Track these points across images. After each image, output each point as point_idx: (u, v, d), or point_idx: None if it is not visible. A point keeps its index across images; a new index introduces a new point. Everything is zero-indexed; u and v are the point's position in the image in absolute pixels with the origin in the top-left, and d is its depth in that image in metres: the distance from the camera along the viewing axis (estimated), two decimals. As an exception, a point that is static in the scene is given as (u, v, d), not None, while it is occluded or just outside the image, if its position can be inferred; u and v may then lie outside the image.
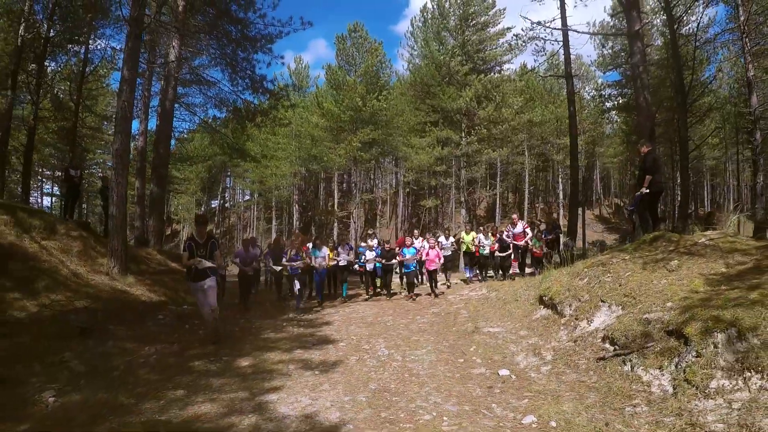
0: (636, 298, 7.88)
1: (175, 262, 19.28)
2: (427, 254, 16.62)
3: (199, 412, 6.24)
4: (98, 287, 12.87)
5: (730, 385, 5.34)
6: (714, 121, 45.38)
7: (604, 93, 45.54)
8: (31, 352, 8.31)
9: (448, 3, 45.80)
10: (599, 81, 50.65)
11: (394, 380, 7.41)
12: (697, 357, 5.92)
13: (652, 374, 6.15)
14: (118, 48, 26.14)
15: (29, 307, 10.36)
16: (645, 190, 11.70)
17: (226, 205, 76.67)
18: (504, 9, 45.63)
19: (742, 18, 23.57)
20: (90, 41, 24.86)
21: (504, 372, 7.46)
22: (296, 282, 15.88)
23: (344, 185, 60.75)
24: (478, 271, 19.80)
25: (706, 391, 5.42)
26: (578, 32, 23.29)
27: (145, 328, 11.04)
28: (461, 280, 19.91)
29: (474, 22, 45.03)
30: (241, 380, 7.54)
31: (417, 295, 16.85)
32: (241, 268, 16.31)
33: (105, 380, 7.62)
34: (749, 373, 5.28)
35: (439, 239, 19.22)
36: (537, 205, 68.62)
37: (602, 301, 8.44)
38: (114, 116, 42.22)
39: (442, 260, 17.17)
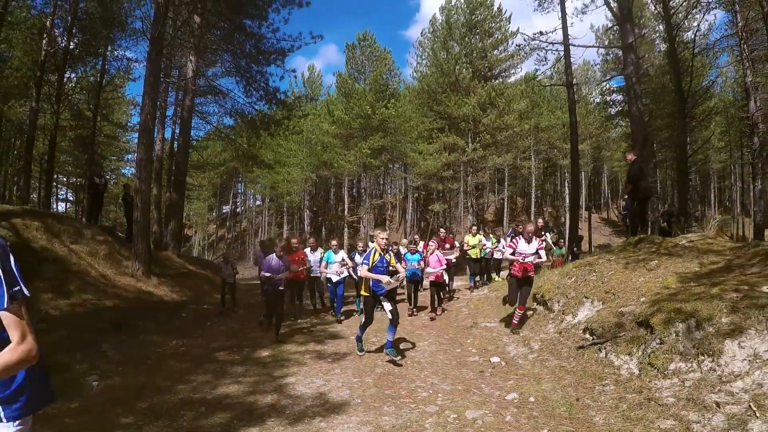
0: (615, 294, 8.74)
1: (193, 265, 20.23)
2: (427, 261, 14.17)
3: (227, 391, 7.20)
4: (125, 288, 13.81)
5: (686, 367, 6.22)
6: (719, 125, 46.06)
7: (608, 98, 46.14)
8: (71, 344, 9.20)
9: (455, 13, 46.73)
10: (604, 86, 51.37)
11: (398, 366, 8.32)
12: (660, 344, 6.80)
13: (622, 359, 7.02)
14: (133, 58, 27.07)
15: (63, 306, 11.26)
16: (625, 197, 12.65)
17: (238, 210, 77.40)
18: (510, 16, 46.30)
19: (740, 24, 24.19)
20: (107, 53, 25.82)
21: (495, 359, 8.37)
22: (386, 305, 9.27)
23: (354, 190, 61.52)
24: (478, 279, 18.22)
25: (665, 372, 6.30)
26: (575, 45, 24.02)
27: (171, 325, 11.96)
28: (466, 288, 18.10)
29: (479, 29, 45.89)
30: (262, 367, 8.49)
31: (420, 308, 14.53)
32: (265, 279, 11.63)
33: (140, 367, 8.58)
34: (702, 357, 6.15)
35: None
36: (545, 209, 69.19)
37: (586, 297, 9.32)
38: (129, 124, 43.35)
39: (443, 265, 13.98)
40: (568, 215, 52.66)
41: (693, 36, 30.83)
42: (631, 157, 13.39)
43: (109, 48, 25.60)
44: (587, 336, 8.25)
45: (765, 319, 6.04)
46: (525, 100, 44.89)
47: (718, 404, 5.33)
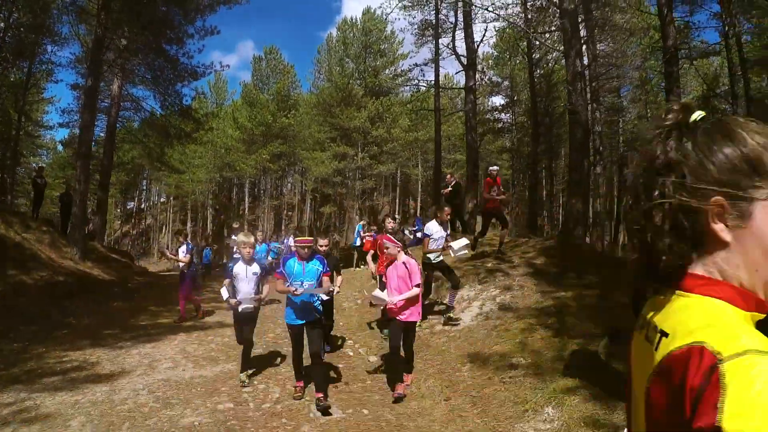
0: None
1: (114, 254, 24.18)
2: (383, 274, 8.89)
3: (163, 321, 11.72)
4: (69, 268, 17.60)
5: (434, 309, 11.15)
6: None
7: (490, 117, 50.88)
8: (44, 304, 13.23)
9: (351, 32, 50.96)
10: (486, 105, 56.31)
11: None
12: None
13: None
14: (56, 62, 29.60)
15: (27, 280, 15.08)
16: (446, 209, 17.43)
17: (142, 206, 78.81)
18: (402, 40, 50.62)
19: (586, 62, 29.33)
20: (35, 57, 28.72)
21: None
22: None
23: (256, 190, 64.67)
24: None
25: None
26: (425, 86, 28.98)
27: (110, 294, 16.10)
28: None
29: (372, 50, 50.12)
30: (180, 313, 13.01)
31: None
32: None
33: (103, 315, 12.88)
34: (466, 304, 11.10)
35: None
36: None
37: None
38: (43, 120, 45.25)
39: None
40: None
41: (551, 68, 36.84)
42: (449, 177, 18.37)
43: (37, 51, 28.47)
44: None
45: (476, 280, 11.04)
46: (409, 116, 48.68)
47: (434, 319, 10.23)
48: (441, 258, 9.94)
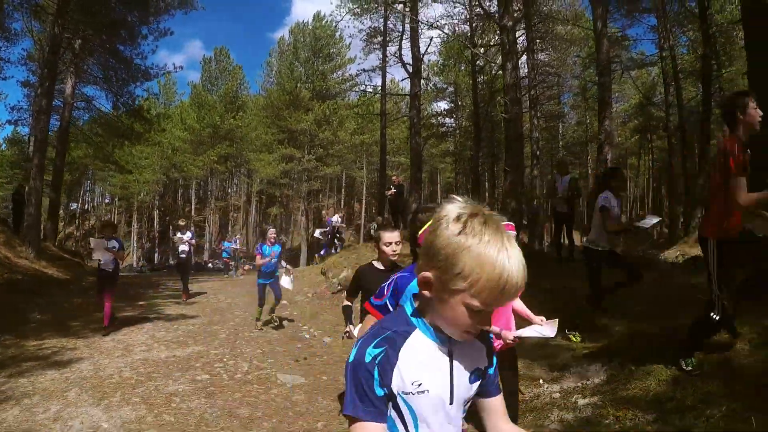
0: (359, 262, 14.73)
1: (67, 254, 24.57)
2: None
3: (126, 315, 12.51)
4: (25, 267, 18.01)
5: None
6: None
7: (434, 121, 51.97)
8: (5, 300, 13.76)
9: (302, 36, 51.82)
10: (432, 110, 57.44)
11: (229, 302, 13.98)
12: (369, 287, 12.86)
13: (351, 296, 13.00)
14: (5, 59, 29.20)
15: None
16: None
17: (86, 207, 77.66)
18: (349, 44, 51.58)
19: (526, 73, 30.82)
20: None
21: (284, 302, 14.15)
22: None
23: (201, 192, 64.79)
24: None
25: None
26: (367, 92, 29.89)
27: (67, 291, 16.70)
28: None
29: (322, 54, 51.07)
30: (142, 307, 13.78)
31: None
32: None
33: (63, 309, 13.58)
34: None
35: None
36: (385, 214, 74.90)
37: (344, 266, 15.39)
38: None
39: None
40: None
41: (493, 75, 38.21)
42: (396, 179, 19.55)
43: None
44: (339, 286, 14.28)
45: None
46: (355, 120, 49.16)
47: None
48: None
